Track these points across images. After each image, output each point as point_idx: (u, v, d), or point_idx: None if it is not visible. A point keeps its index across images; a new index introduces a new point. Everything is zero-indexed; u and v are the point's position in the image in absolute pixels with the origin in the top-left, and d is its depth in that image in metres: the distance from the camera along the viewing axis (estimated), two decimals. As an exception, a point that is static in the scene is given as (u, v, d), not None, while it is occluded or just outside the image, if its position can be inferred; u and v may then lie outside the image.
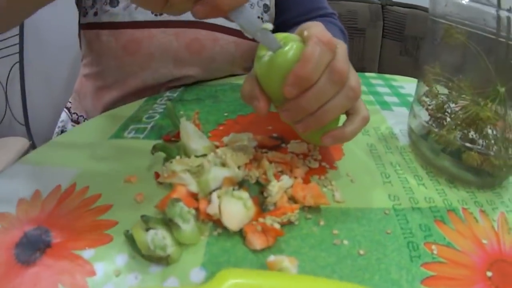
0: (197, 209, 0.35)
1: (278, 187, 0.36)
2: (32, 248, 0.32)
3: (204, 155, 0.42)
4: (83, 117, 0.75)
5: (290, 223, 0.35)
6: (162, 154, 0.43)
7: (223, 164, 0.39)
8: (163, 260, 0.31)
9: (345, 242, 0.34)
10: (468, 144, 0.41)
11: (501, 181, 0.43)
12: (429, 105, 0.45)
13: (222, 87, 0.65)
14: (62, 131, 0.77)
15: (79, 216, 0.36)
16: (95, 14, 0.62)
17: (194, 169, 0.39)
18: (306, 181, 0.40)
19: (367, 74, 0.75)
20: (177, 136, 0.46)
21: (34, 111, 1.69)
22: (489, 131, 0.41)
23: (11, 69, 1.62)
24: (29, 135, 1.65)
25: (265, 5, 0.69)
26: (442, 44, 0.41)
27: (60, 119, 0.79)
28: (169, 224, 0.32)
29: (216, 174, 0.36)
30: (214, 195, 0.34)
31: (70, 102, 0.79)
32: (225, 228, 0.34)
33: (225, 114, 0.55)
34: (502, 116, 0.39)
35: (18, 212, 0.36)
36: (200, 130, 0.46)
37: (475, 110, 0.40)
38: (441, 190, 0.42)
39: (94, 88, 0.70)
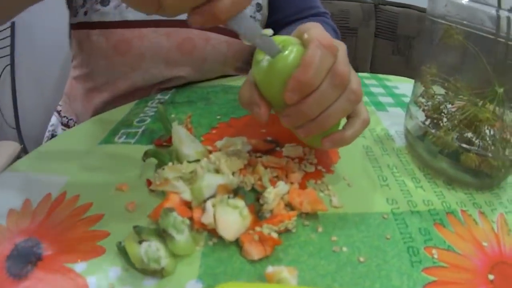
0: (191, 219, 0.34)
1: (274, 193, 0.35)
2: (24, 261, 0.31)
3: (197, 161, 0.41)
4: (73, 120, 0.73)
5: (287, 230, 0.34)
6: (153, 160, 0.42)
7: (217, 170, 0.38)
8: (158, 273, 0.30)
9: (344, 249, 0.33)
10: (466, 146, 0.40)
11: (499, 182, 0.43)
12: (426, 105, 0.45)
13: (213, 89, 0.63)
14: (52, 135, 0.75)
15: (71, 227, 0.35)
16: (86, 13, 0.60)
17: (187, 175, 0.38)
18: (302, 186, 0.39)
19: (360, 74, 0.74)
20: (169, 140, 0.44)
21: (25, 114, 1.67)
22: (487, 132, 0.40)
23: (2, 72, 1.60)
24: (20, 139, 1.63)
25: (258, 4, 0.68)
26: (440, 44, 0.41)
27: (50, 123, 0.78)
28: (162, 235, 0.31)
29: (210, 182, 0.35)
30: (209, 204, 0.33)
31: (60, 105, 0.78)
32: (220, 238, 0.33)
33: (218, 117, 0.54)
34: (500, 117, 0.39)
35: (9, 223, 0.35)
36: (193, 134, 0.45)
37: (473, 111, 0.39)
38: (439, 192, 0.41)
39: (84, 90, 0.68)
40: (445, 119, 0.44)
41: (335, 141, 0.37)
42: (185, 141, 0.42)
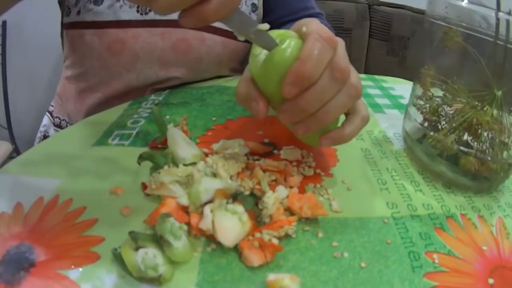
0: (188, 224, 0.33)
1: (274, 198, 0.34)
2: (16, 266, 0.30)
3: (193, 163, 0.40)
4: (66, 121, 0.72)
5: (287, 236, 0.33)
6: (148, 163, 0.41)
7: (214, 174, 0.37)
8: (155, 281, 0.29)
9: (346, 254, 0.33)
10: (465, 149, 0.40)
11: (497, 185, 0.43)
12: (424, 108, 0.44)
13: (209, 90, 0.63)
14: (44, 136, 0.74)
15: (64, 232, 0.34)
16: (78, 13, 0.59)
17: (183, 179, 0.37)
18: (301, 190, 0.39)
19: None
20: (164, 143, 0.43)
21: (17, 115, 1.64)
22: (484, 134, 0.40)
23: (-7, 71, 1.57)
24: (12, 139, 1.61)
25: (253, 4, 0.67)
26: (439, 46, 0.40)
27: (42, 124, 0.76)
28: (159, 241, 0.30)
29: (207, 186, 0.34)
30: (207, 210, 0.32)
31: (52, 106, 0.76)
32: (219, 243, 0.32)
33: (213, 118, 0.53)
34: (498, 120, 0.39)
35: (0, 227, 0.34)
36: (188, 136, 0.44)
37: (473, 114, 0.39)
38: (439, 196, 0.41)
39: (77, 91, 0.67)
40: (443, 122, 0.43)
41: (334, 139, 0.37)
42: (180, 143, 0.41)
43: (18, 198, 0.37)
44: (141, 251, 0.29)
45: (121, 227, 0.34)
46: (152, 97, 0.60)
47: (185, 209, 0.34)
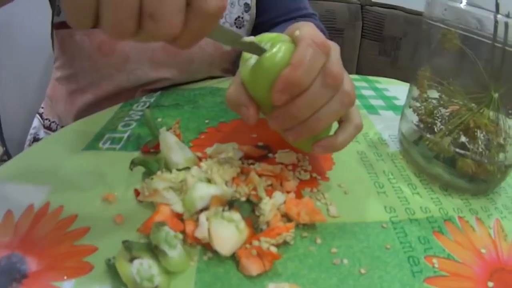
0: (183, 232, 0.32)
1: (271, 205, 0.33)
2: (8, 277, 0.29)
3: (187, 168, 0.40)
4: (56, 123, 0.70)
5: (285, 243, 0.33)
6: (141, 168, 0.40)
7: (209, 180, 0.36)
8: (151, 292, 0.28)
9: (345, 261, 0.32)
10: (461, 151, 0.40)
11: (494, 186, 0.43)
12: (420, 109, 0.44)
13: (201, 91, 0.62)
14: (34, 138, 0.73)
15: (55, 241, 0.33)
16: None
17: (176, 185, 0.36)
18: (298, 195, 0.38)
19: (350, 76, 0.73)
20: (157, 147, 0.42)
21: (7, 116, 1.61)
22: (481, 136, 0.40)
23: (-18, 72, 1.53)
24: (2, 141, 1.57)
25: (246, 4, 0.66)
26: (437, 48, 0.40)
27: (32, 126, 0.75)
28: (154, 251, 0.29)
29: (202, 193, 0.33)
30: (203, 217, 0.31)
31: (42, 108, 0.75)
32: (215, 252, 0.31)
33: (206, 121, 0.52)
34: (495, 122, 0.38)
35: (-10, 236, 0.33)
36: (181, 140, 0.43)
37: (470, 116, 0.39)
38: (436, 198, 0.41)
39: (67, 92, 0.66)
40: (439, 123, 0.43)
41: (326, 146, 0.36)
42: (173, 148, 0.40)
43: (8, 205, 0.36)
44: (136, 262, 0.28)
45: (114, 235, 0.33)
46: (143, 99, 0.59)
47: (179, 217, 0.34)
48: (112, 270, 0.29)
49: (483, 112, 0.38)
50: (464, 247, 0.35)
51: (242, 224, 0.31)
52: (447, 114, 0.42)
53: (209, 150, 0.42)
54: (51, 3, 0.63)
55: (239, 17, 0.66)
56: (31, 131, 0.74)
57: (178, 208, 0.33)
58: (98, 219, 0.35)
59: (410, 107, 0.45)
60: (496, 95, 0.38)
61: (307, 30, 0.32)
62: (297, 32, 0.32)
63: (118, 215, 0.35)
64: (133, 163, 0.38)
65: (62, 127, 0.69)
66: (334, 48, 0.34)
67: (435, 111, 0.43)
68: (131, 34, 0.25)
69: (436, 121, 0.43)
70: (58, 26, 0.60)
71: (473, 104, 0.39)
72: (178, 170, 0.39)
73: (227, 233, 0.30)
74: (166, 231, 0.30)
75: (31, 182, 0.39)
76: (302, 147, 0.40)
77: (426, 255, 0.34)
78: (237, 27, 0.66)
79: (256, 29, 0.69)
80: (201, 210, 0.33)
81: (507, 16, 0.34)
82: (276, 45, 0.32)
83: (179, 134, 0.45)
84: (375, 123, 0.55)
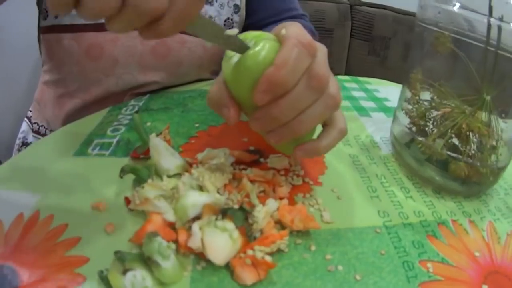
0: (176, 242, 0.31)
1: (264, 212, 0.33)
2: (-1, 291, 0.29)
3: (178, 174, 0.39)
4: (44, 127, 0.69)
5: (279, 250, 0.32)
6: (131, 175, 0.39)
7: (200, 187, 0.36)
8: (144, 305, 0.27)
9: (340, 267, 0.32)
10: (454, 154, 0.40)
11: (487, 189, 0.43)
12: (412, 112, 0.44)
13: (190, 94, 0.61)
14: (23, 143, 0.72)
15: (46, 252, 0.32)
16: (56, 16, 0.56)
17: (168, 192, 0.36)
18: (291, 201, 0.37)
19: (340, 77, 0.73)
20: (146, 153, 0.42)
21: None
22: (474, 139, 0.40)
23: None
24: (-10, 145, 1.54)
25: (236, 6, 0.66)
26: (429, 50, 0.40)
27: (21, 130, 0.74)
28: (147, 262, 0.28)
29: (194, 201, 0.33)
30: (196, 227, 0.31)
31: (30, 111, 0.74)
32: (209, 261, 0.30)
33: (196, 125, 0.51)
34: (487, 124, 0.39)
35: (-19, 247, 0.32)
36: (171, 145, 0.42)
37: (462, 118, 0.39)
38: (429, 202, 0.41)
39: (55, 96, 0.65)
40: (431, 126, 0.43)
41: (308, 151, 0.35)
42: (163, 154, 0.40)
43: (-3, 214, 0.35)
44: (129, 274, 0.27)
45: (106, 245, 0.32)
46: (132, 102, 0.58)
47: (171, 225, 0.33)
48: (105, 282, 0.29)
49: (475, 115, 0.38)
50: (458, 251, 0.35)
51: (236, 233, 0.31)
52: (439, 116, 0.42)
53: (200, 156, 0.42)
54: (38, 7, 0.61)
55: (228, 18, 0.65)
56: (20, 135, 0.73)
57: (170, 217, 0.33)
58: (88, 228, 0.34)
59: (402, 109, 0.45)
60: (488, 98, 0.38)
61: (293, 29, 0.31)
62: (283, 31, 0.31)
63: (108, 224, 0.34)
64: (123, 171, 0.37)
65: (51, 131, 0.68)
66: (321, 49, 0.33)
67: (427, 113, 0.43)
68: (113, 10, 0.24)
69: (428, 124, 0.43)
70: (45, 30, 0.59)
71: (465, 106, 0.39)
72: (169, 176, 0.39)
73: (220, 242, 0.30)
74: (158, 242, 0.29)
75: (20, 189, 0.39)
76: (284, 150, 0.39)
77: (420, 260, 0.34)
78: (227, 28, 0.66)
79: (246, 31, 0.69)
80: (194, 219, 0.33)
81: (500, 19, 0.34)
82: (259, 43, 0.31)
83: (169, 139, 0.44)
84: (367, 125, 0.55)
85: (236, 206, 0.33)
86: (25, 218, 0.35)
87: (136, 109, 0.56)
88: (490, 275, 0.33)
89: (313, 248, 0.33)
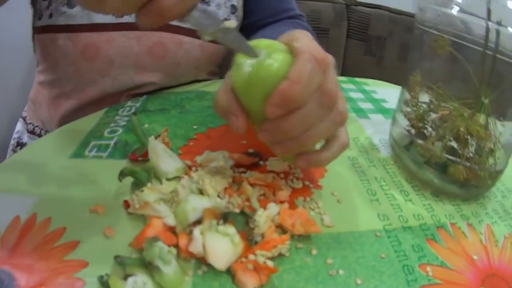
0: (176, 246, 0.31)
1: (265, 216, 0.33)
2: (-3, 296, 0.28)
3: (177, 177, 0.39)
4: (40, 127, 0.69)
5: (280, 255, 0.32)
6: (130, 178, 0.39)
7: (200, 190, 0.36)
8: (145, 310, 0.27)
9: (341, 272, 0.32)
10: (453, 158, 0.40)
11: (485, 191, 0.43)
12: (411, 114, 0.44)
13: (187, 95, 0.61)
14: (18, 143, 0.71)
15: (44, 256, 0.31)
16: (51, 16, 0.56)
17: (167, 196, 0.35)
18: (291, 204, 0.37)
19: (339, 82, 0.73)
20: (145, 155, 0.42)
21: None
22: (473, 143, 0.40)
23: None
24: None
25: (233, 6, 0.65)
26: (429, 53, 0.40)
27: (16, 130, 0.73)
28: (148, 267, 0.28)
29: (195, 205, 0.32)
30: (197, 232, 0.30)
31: (25, 111, 0.73)
32: (210, 265, 0.30)
33: (194, 126, 0.51)
34: (485, 127, 0.39)
35: (-23, 250, 0.31)
36: (169, 147, 0.42)
37: (461, 121, 0.39)
38: (428, 205, 0.41)
39: (51, 97, 0.64)
40: (429, 128, 0.43)
41: (310, 161, 0.35)
42: (163, 156, 0.40)
43: (-7, 217, 0.34)
44: (130, 279, 0.27)
45: (105, 250, 0.32)
46: (129, 103, 0.58)
47: (172, 229, 0.33)
48: (105, 287, 0.28)
49: (474, 118, 0.38)
50: (457, 254, 0.35)
51: (237, 238, 0.31)
52: (437, 119, 0.43)
53: (199, 159, 0.41)
54: (33, 6, 0.61)
55: (225, 19, 0.65)
56: (15, 135, 0.72)
57: (170, 221, 0.33)
58: (87, 232, 0.34)
59: (401, 112, 0.45)
60: (486, 101, 0.38)
61: (306, 42, 0.31)
62: (296, 44, 0.31)
63: (108, 227, 0.34)
64: (122, 174, 0.37)
65: (46, 131, 0.67)
66: (331, 64, 0.33)
67: (426, 116, 0.43)
68: None
69: (427, 126, 0.43)
70: (40, 30, 0.58)
71: (464, 107, 0.39)
72: (168, 179, 0.39)
73: (222, 247, 0.30)
74: (159, 247, 0.29)
75: (16, 192, 0.38)
76: (285, 157, 0.39)
77: (420, 263, 0.34)
78: None
79: (243, 31, 0.69)
80: (194, 222, 0.32)
81: (498, 23, 0.34)
82: (273, 54, 0.31)
83: (168, 142, 0.44)
84: (365, 127, 0.55)
85: (237, 210, 0.33)
86: (21, 221, 0.35)
87: (133, 110, 0.55)
88: (488, 278, 0.34)
89: (314, 252, 0.33)
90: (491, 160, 0.40)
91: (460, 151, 0.40)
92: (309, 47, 0.31)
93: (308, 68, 0.29)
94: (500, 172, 0.41)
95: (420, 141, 0.42)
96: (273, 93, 0.30)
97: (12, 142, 0.72)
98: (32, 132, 0.69)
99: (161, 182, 0.38)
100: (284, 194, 0.38)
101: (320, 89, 0.31)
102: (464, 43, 0.37)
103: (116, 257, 0.29)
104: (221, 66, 0.72)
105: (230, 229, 0.31)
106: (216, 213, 0.33)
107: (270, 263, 0.30)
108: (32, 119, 0.70)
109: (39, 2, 0.58)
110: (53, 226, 0.34)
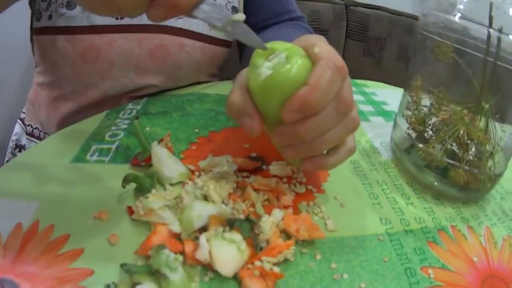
0: (182, 253, 0.31)
1: (270, 222, 0.33)
2: (1, 306, 0.28)
3: (180, 182, 0.39)
4: (38, 129, 0.68)
5: (286, 260, 0.33)
6: (133, 184, 0.39)
7: (204, 196, 0.36)
8: (153, 318, 0.27)
9: (345, 276, 0.32)
10: (453, 162, 0.40)
11: (484, 194, 0.44)
12: (411, 118, 0.44)
13: (188, 98, 0.61)
14: (16, 145, 0.70)
15: (48, 264, 0.31)
16: (50, 17, 0.55)
17: (172, 202, 0.36)
18: (295, 209, 0.38)
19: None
20: (148, 160, 0.42)
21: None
22: (473, 147, 0.41)
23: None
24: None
25: (234, 8, 0.65)
26: (430, 58, 0.40)
27: (14, 132, 0.72)
28: (155, 275, 0.29)
29: (200, 211, 0.33)
30: (203, 239, 0.31)
31: (24, 113, 0.72)
32: (216, 271, 0.30)
33: (196, 130, 0.51)
34: (485, 131, 0.39)
35: (-21, 259, 0.31)
36: (172, 152, 0.42)
37: (462, 126, 0.39)
38: (429, 208, 0.41)
39: (50, 98, 0.64)
40: (430, 132, 0.44)
41: (317, 165, 0.36)
42: (166, 162, 0.40)
43: (-6, 224, 0.34)
44: (137, 288, 0.27)
45: (111, 257, 0.32)
46: (130, 106, 0.58)
47: (177, 236, 0.33)
48: (112, 295, 0.29)
49: (474, 122, 0.39)
50: (457, 256, 0.36)
51: (243, 245, 0.31)
52: (438, 122, 0.43)
53: (202, 164, 0.42)
54: (31, 7, 0.60)
55: (235, 9, 0.65)
56: (13, 137, 0.72)
57: (176, 228, 0.33)
58: (91, 239, 0.34)
59: (403, 115, 0.46)
60: (487, 106, 0.38)
61: (325, 48, 0.31)
62: (316, 49, 0.31)
63: (112, 234, 0.34)
64: (126, 180, 0.37)
65: (45, 133, 0.67)
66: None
67: (426, 119, 0.43)
68: None
69: (427, 129, 0.44)
70: (39, 31, 0.58)
71: (465, 110, 0.40)
72: (172, 185, 0.39)
73: (229, 254, 0.30)
74: (166, 255, 0.29)
75: (17, 198, 0.38)
76: (292, 160, 0.39)
77: (422, 266, 0.34)
78: None
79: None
80: (199, 229, 0.33)
81: (500, 30, 0.34)
82: (292, 59, 0.31)
83: (171, 147, 0.44)
84: (366, 130, 0.55)
85: (242, 217, 0.33)
86: (24, 228, 0.34)
87: (134, 112, 0.55)
88: (488, 280, 0.34)
89: (318, 257, 0.34)
90: (490, 164, 0.41)
91: (460, 155, 0.41)
92: (329, 54, 0.31)
93: (328, 75, 0.30)
94: (499, 175, 0.42)
95: (420, 145, 0.42)
96: (292, 98, 0.30)
97: (11, 144, 0.72)
98: (31, 135, 0.69)
99: (164, 187, 0.38)
100: (287, 199, 0.38)
101: (338, 96, 0.31)
102: (466, 49, 0.37)
103: (122, 265, 0.29)
104: (221, 68, 0.72)
105: (236, 236, 0.31)
106: (221, 220, 0.33)
107: (276, 269, 0.30)
108: (31, 121, 0.69)
109: (37, 3, 0.57)
110: (57, 233, 0.34)
